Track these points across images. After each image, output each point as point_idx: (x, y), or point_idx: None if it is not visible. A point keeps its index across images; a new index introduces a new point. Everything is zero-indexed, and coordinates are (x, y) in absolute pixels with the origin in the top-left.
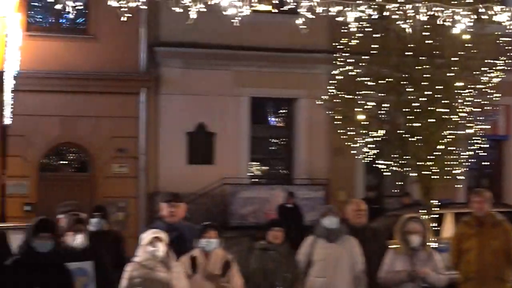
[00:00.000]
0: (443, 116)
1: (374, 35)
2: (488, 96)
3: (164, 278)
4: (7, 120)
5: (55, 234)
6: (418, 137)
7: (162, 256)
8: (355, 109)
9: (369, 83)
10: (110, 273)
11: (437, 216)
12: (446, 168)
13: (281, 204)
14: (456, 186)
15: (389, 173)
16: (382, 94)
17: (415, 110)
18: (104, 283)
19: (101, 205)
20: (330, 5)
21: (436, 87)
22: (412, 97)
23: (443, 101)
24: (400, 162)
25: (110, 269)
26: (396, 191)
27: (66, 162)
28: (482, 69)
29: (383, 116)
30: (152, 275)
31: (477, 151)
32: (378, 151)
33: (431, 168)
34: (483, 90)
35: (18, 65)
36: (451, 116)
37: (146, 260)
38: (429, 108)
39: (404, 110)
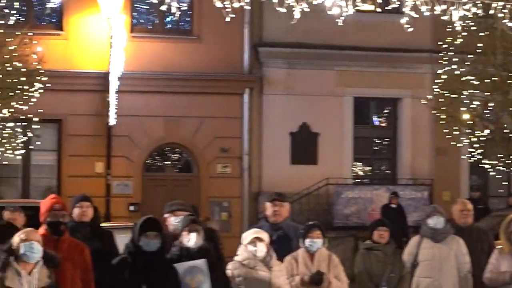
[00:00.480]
0: None
1: (479, 34)
2: None
3: (264, 277)
4: (112, 121)
5: (161, 233)
6: None
7: (262, 256)
8: (460, 109)
9: (474, 82)
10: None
11: None
12: None
13: (385, 204)
14: None
15: (495, 173)
16: (487, 94)
17: None
18: (218, 280)
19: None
20: (435, 4)
21: None
22: None
23: None
24: (505, 161)
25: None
26: (501, 191)
27: (170, 162)
28: None
29: (488, 115)
30: (253, 274)
31: None
32: (483, 150)
33: None
34: None
35: (122, 66)
36: None
37: (246, 259)
38: None
39: (509, 109)
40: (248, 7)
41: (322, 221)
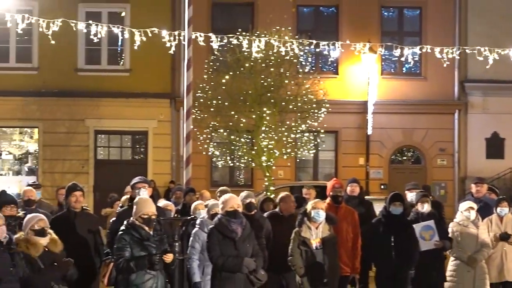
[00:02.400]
0: None
1: None
2: None
3: (473, 233)
4: (369, 131)
5: (403, 203)
6: None
7: (473, 218)
8: None
9: None
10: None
11: None
12: None
13: None
14: None
15: None
16: None
17: None
18: (444, 235)
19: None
20: None
21: None
22: None
23: None
24: None
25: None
26: None
27: (406, 158)
28: None
29: None
30: (466, 230)
31: None
32: None
33: None
34: None
35: (375, 96)
36: None
37: (462, 220)
38: None
39: None
40: (457, 57)
41: (508, 196)
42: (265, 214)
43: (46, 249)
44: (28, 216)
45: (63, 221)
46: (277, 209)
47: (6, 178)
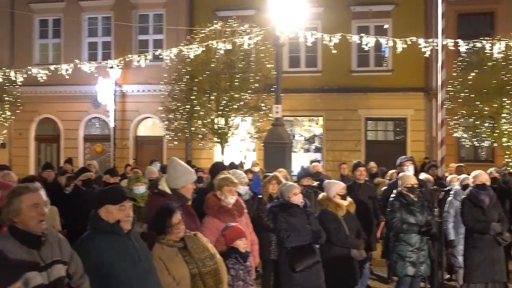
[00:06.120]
0: None
1: None
2: None
3: None
4: None
5: None
6: None
7: None
8: None
9: None
10: None
11: None
12: None
13: None
14: None
15: None
16: None
17: None
18: None
19: None
20: None
21: None
22: None
23: None
24: None
25: None
26: None
27: None
28: None
29: None
30: None
31: None
32: None
33: None
34: None
35: None
36: None
37: None
38: None
39: None
40: None
41: None
42: None
43: (346, 210)
44: (336, 183)
45: (350, 190)
46: None
47: (298, 154)
